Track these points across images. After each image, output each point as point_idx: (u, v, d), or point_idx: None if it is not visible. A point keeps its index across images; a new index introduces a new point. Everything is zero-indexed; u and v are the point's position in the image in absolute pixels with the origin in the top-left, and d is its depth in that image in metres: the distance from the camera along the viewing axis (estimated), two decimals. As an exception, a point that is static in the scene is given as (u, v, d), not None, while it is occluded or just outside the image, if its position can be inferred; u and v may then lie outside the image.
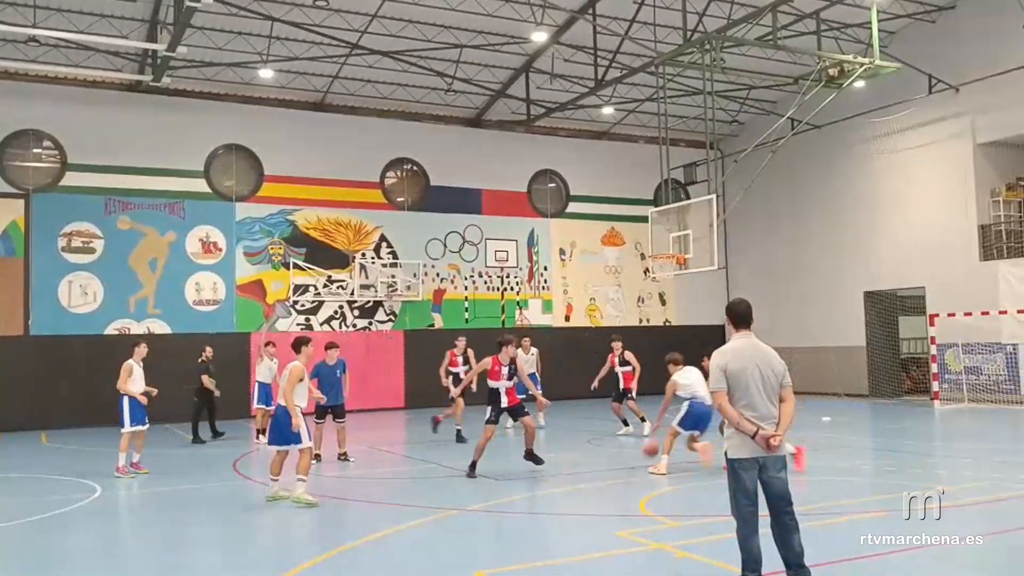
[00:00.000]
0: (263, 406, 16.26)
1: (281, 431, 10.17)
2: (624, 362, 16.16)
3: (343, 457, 13.49)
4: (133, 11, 19.14)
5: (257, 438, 16.29)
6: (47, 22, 18.47)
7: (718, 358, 5.95)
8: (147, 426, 12.75)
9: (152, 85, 20.29)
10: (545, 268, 26.73)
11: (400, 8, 19.95)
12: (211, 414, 17.38)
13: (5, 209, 20.34)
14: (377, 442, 16.72)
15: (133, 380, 12.59)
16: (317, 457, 12.87)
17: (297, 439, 10.07)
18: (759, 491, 5.81)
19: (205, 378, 17.03)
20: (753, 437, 5.70)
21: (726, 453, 5.98)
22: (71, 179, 21.05)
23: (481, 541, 8.38)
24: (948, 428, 17.35)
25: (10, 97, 20.51)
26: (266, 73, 21.50)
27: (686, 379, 11.88)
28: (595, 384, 16.96)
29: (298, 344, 10.39)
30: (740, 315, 6.03)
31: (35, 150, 21.01)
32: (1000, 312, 20.24)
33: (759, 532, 5.80)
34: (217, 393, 17.14)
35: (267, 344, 17.01)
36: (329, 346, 13.53)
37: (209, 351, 17.37)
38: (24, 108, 20.67)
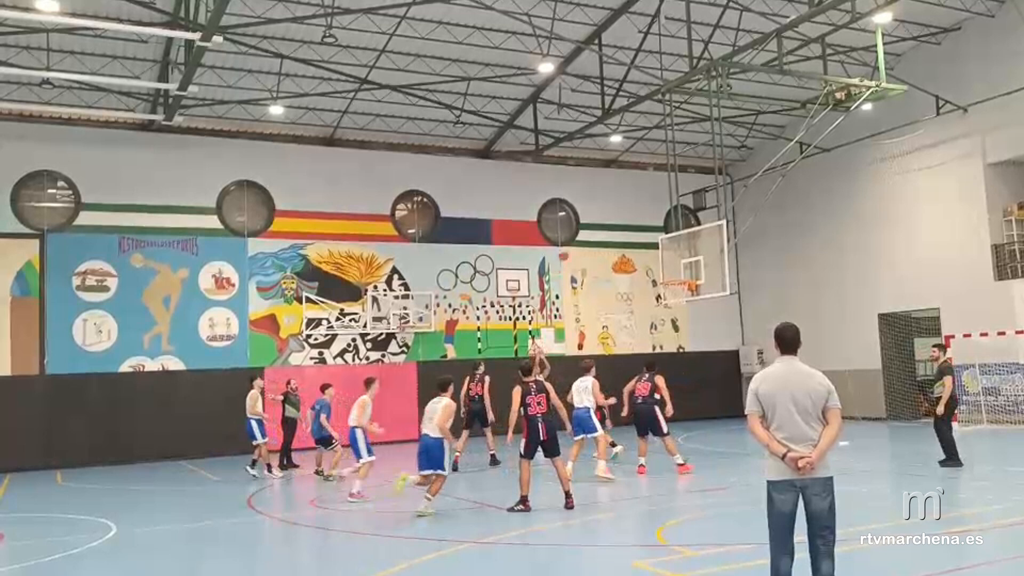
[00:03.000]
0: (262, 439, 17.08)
1: (431, 457, 11.29)
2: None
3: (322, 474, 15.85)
4: (145, 52, 19.41)
5: (269, 471, 16.71)
6: (60, 64, 18.75)
7: (753, 383, 6.05)
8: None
9: (164, 124, 20.52)
10: (557, 297, 26.72)
11: (408, 43, 20.15)
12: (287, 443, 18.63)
13: (20, 249, 20.52)
14: (391, 474, 16.64)
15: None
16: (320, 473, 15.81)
17: (442, 465, 11.30)
18: (796, 513, 5.79)
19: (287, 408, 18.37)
20: (783, 459, 5.71)
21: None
22: (85, 218, 21.25)
23: (497, 574, 8.30)
24: (967, 450, 17.10)
25: (25, 139, 20.77)
26: (276, 109, 21.72)
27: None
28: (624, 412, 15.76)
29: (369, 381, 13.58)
30: (785, 341, 6.05)
31: (49, 190, 21.23)
32: (1017, 332, 20.08)
33: (791, 554, 5.77)
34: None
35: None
36: (325, 386, 15.97)
37: (294, 383, 18.79)
38: (38, 149, 20.92)
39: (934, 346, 15.00)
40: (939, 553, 7.64)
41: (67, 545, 10.17)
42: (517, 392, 11.35)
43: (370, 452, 13.26)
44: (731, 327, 29.00)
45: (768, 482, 5.87)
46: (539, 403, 11.17)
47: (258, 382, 16.82)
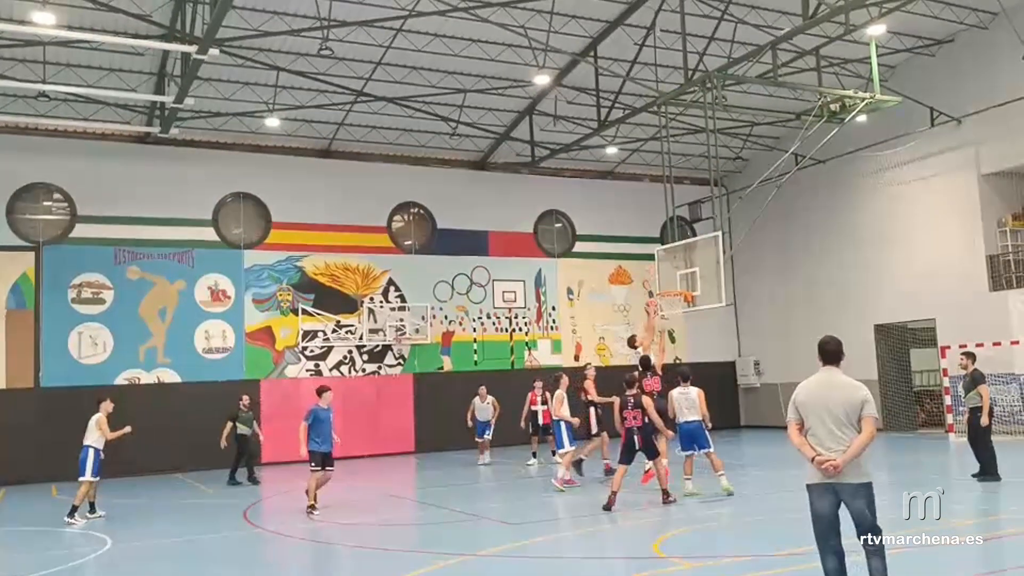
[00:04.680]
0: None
1: (694, 439, 12.90)
2: (544, 402, 18.29)
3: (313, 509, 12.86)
4: (141, 64, 19.44)
5: (72, 516, 13.14)
6: (56, 77, 18.76)
7: (795, 391, 6.36)
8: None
9: (160, 136, 20.54)
10: (553, 308, 26.72)
11: (404, 55, 20.21)
12: (249, 459, 18.01)
13: (16, 262, 20.48)
14: (388, 487, 16.61)
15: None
16: (312, 508, 12.79)
17: (708, 444, 12.98)
18: (838, 514, 6.03)
19: (230, 424, 17.69)
20: (812, 462, 5.98)
21: None
22: (81, 231, 21.22)
23: (494, 587, 8.27)
24: (964, 461, 17.10)
25: (21, 151, 20.76)
26: (272, 122, 21.74)
27: None
28: (522, 423, 19.48)
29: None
30: (827, 353, 6.37)
31: (45, 203, 21.20)
32: (1012, 343, 20.08)
33: (836, 554, 6.01)
34: (223, 441, 17.48)
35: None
36: (322, 389, 13.14)
37: (246, 399, 18.35)
38: (34, 162, 20.91)
39: (963, 354, 14.34)
40: (937, 559, 7.63)
41: (62, 559, 10.11)
42: (617, 403, 12.70)
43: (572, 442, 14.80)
44: (727, 338, 29.02)
45: (806, 486, 6.13)
46: (634, 417, 12.30)
47: (106, 404, 13.74)
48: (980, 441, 13.52)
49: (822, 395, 6.14)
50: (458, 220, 25.54)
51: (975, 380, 13.72)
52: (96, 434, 13.44)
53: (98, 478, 13.45)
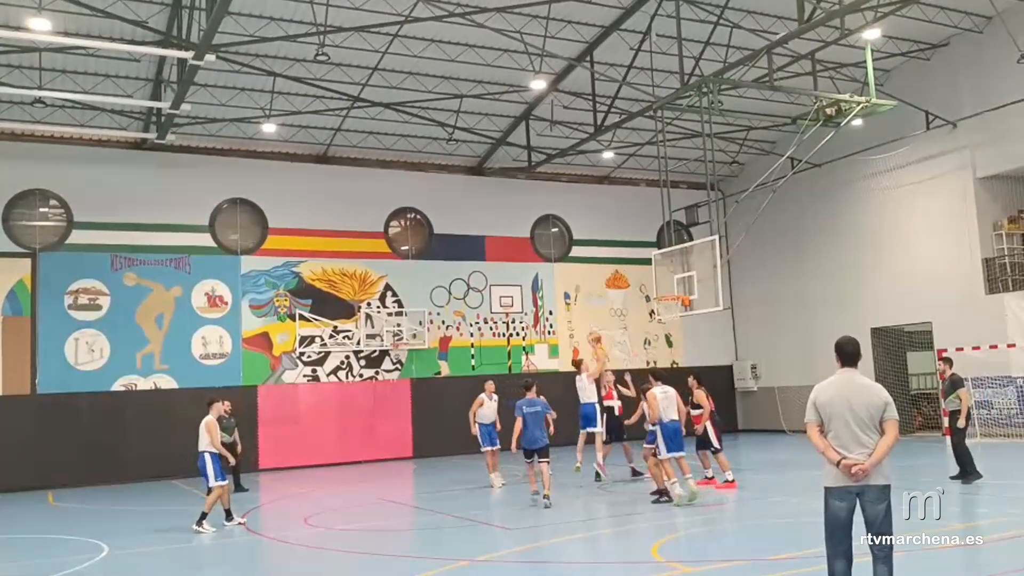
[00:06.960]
0: None
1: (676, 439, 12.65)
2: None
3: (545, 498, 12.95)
4: (137, 71, 19.44)
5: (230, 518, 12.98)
6: (53, 84, 18.77)
7: (812, 393, 6.24)
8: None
9: (157, 142, 20.56)
10: (550, 312, 26.73)
11: (400, 61, 20.23)
12: (234, 467, 17.34)
13: (12, 268, 20.45)
14: (385, 492, 16.58)
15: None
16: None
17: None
18: (852, 518, 5.96)
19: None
20: (837, 465, 5.92)
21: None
22: (77, 237, 21.19)
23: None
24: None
25: (17, 158, 20.75)
26: (269, 128, 21.75)
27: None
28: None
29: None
30: (845, 354, 6.23)
31: (41, 209, 21.18)
32: (1008, 346, 20.13)
33: (846, 557, 5.95)
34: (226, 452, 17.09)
35: None
36: (529, 385, 13.80)
37: (227, 404, 17.38)
38: (31, 168, 20.90)
39: (941, 359, 14.80)
40: (934, 563, 7.62)
41: (59, 566, 10.08)
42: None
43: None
44: (725, 342, 29.04)
45: (825, 488, 6.06)
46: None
47: (217, 406, 13.09)
48: (959, 443, 13.71)
49: (844, 397, 6.03)
50: (455, 225, 25.55)
51: (954, 384, 14.03)
52: (207, 439, 12.44)
53: (226, 481, 12.59)
